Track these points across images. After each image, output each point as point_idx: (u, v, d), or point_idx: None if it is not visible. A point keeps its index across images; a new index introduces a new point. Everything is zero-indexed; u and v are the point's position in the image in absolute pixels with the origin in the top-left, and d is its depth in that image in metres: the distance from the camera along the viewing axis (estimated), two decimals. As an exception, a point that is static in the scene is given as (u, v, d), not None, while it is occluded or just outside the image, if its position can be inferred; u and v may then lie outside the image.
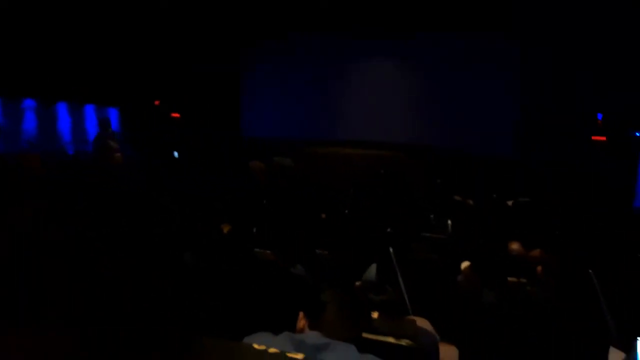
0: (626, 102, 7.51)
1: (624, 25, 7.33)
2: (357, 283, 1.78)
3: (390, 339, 1.53)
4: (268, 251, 2.08)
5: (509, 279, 2.24)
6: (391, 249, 2.88)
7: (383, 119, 10.64)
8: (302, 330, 1.27)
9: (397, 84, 10.71)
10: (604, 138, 8.25)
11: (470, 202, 5.84)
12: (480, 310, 1.62)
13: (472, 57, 9.96)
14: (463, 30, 9.68)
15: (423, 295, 2.79)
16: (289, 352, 1.11)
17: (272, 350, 0.90)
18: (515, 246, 3.29)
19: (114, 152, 5.58)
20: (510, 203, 5.79)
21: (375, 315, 1.56)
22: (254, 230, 2.99)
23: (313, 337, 1.19)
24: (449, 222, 4.39)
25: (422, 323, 2.52)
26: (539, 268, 3.24)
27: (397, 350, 1.50)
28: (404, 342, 1.51)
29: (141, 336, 0.94)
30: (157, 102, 11.68)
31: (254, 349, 0.90)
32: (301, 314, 1.30)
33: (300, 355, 0.90)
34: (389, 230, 3.82)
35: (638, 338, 2.05)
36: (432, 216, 5.14)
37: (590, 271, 2.38)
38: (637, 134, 7.52)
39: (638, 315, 2.33)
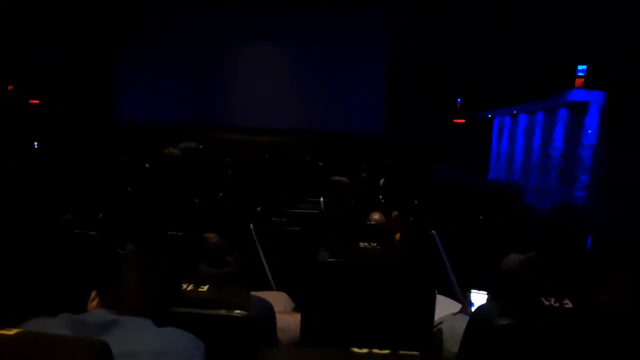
0: (479, 88, 8.38)
1: (481, 16, 8.10)
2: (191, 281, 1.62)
3: (222, 312, 1.43)
4: (91, 232, 1.86)
5: (361, 243, 2.29)
6: (251, 225, 2.80)
7: (266, 104, 10.53)
8: None
9: (277, 68, 10.67)
10: (463, 120, 9.13)
11: (346, 180, 6.05)
12: (315, 270, 1.60)
13: (346, 38, 10.30)
14: (338, 9, 9.98)
15: (286, 268, 2.77)
16: (64, 334, 0.94)
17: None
18: (376, 216, 3.44)
19: None
20: (381, 181, 6.16)
21: (204, 288, 1.44)
22: (100, 215, 2.71)
23: (97, 315, 1.03)
24: (321, 199, 4.47)
25: (278, 296, 2.49)
26: (397, 235, 3.43)
27: (227, 321, 1.41)
28: (236, 313, 1.42)
29: None
30: (10, 88, 10.18)
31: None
32: (94, 293, 1.13)
33: (12, 331, 0.75)
34: (258, 209, 3.75)
35: (472, 290, 2.25)
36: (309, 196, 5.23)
37: (432, 232, 2.55)
38: (489, 115, 8.45)
39: (473, 270, 2.55)
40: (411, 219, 3.26)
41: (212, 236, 1.96)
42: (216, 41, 10.58)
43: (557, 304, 1.50)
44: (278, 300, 2.36)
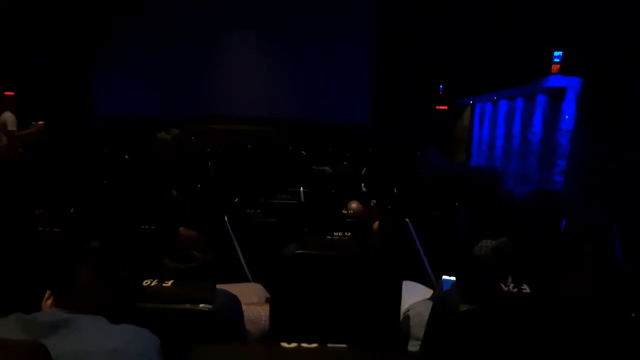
0: (461, 74, 8.42)
1: (468, 7, 8.10)
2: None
3: (186, 306, 1.44)
4: (56, 229, 1.85)
5: (335, 234, 2.29)
6: (226, 218, 2.80)
7: (249, 93, 10.46)
8: None
9: (259, 56, 10.58)
10: (445, 107, 9.17)
11: (328, 169, 6.05)
12: (282, 261, 1.61)
13: (331, 26, 10.25)
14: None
15: (261, 259, 2.78)
16: (14, 335, 0.94)
17: None
18: (354, 205, 3.45)
19: None
20: (363, 170, 6.18)
21: (169, 283, 1.45)
22: (71, 210, 2.68)
23: (48, 314, 1.02)
24: (301, 188, 4.47)
25: (253, 288, 2.51)
26: (376, 224, 3.45)
27: (192, 315, 1.42)
28: (200, 306, 1.43)
29: None
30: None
31: None
32: (48, 292, 1.12)
33: None
34: (236, 200, 3.75)
35: (443, 277, 2.29)
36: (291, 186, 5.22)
37: (406, 219, 2.57)
38: (471, 102, 8.50)
39: (445, 257, 2.59)
40: (389, 207, 3.28)
41: (181, 230, 1.96)
42: (198, 30, 10.44)
43: (516, 290, 1.54)
44: (253, 291, 2.37)
